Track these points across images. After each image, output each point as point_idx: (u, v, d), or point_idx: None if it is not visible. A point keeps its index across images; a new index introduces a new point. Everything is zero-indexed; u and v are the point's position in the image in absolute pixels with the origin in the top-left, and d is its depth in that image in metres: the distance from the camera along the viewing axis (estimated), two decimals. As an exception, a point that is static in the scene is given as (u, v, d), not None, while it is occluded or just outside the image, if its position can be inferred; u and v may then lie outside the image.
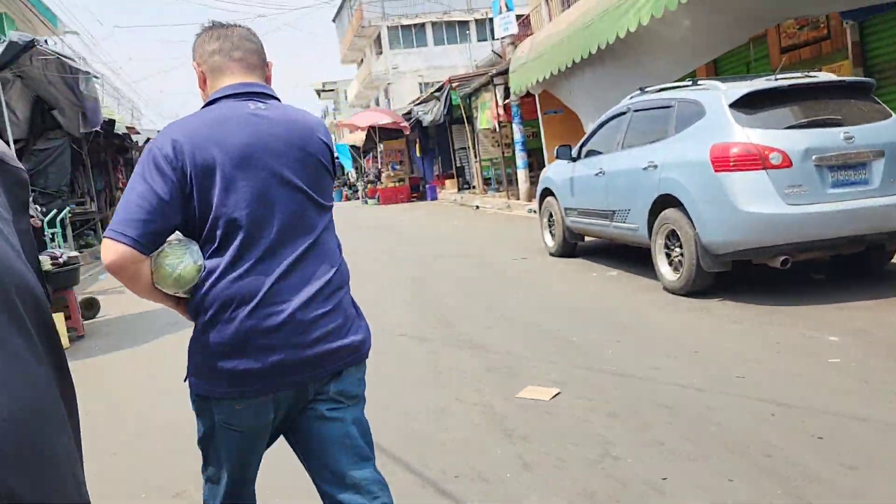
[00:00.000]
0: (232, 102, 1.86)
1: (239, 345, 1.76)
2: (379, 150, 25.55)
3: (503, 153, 18.33)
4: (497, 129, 17.94)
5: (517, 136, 17.01)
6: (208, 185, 1.76)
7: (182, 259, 1.78)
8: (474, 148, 20.68)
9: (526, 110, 17.12)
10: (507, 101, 17.05)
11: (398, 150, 25.85)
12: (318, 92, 61.06)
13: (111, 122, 15.96)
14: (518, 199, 17.05)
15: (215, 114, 1.84)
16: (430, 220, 15.95)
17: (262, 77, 1.97)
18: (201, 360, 1.81)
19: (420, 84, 38.97)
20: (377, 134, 24.65)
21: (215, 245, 1.79)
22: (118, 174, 20.84)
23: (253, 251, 1.78)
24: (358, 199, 35.96)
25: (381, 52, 41.41)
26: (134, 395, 5.05)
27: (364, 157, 33.30)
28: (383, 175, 25.42)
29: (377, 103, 44.54)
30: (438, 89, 21.64)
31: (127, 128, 19.65)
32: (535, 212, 15.32)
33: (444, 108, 20.50)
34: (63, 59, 6.73)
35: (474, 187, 21.66)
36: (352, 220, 19.40)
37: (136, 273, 1.77)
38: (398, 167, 25.76)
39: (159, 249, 1.80)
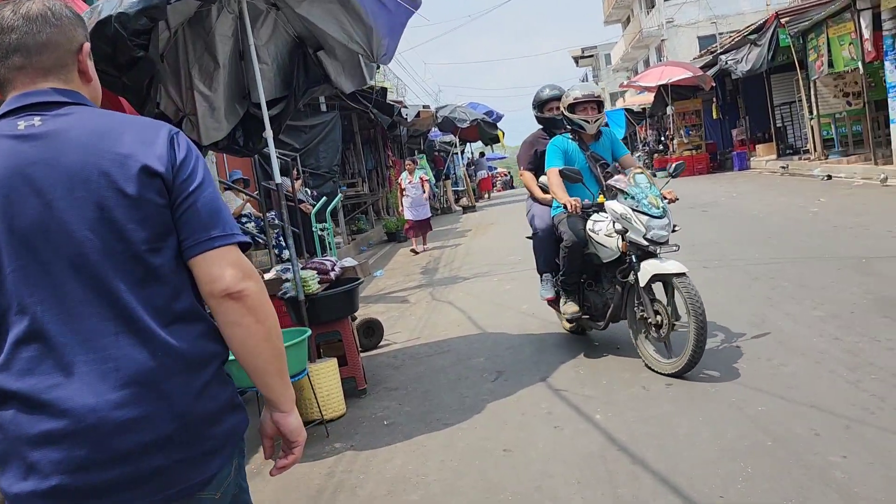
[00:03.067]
0: (2, 125, 1.39)
1: (7, 460, 1.32)
2: (668, 112, 21.56)
3: (865, 105, 13.61)
4: (861, 70, 13.30)
5: (892, 79, 12.35)
6: None
7: None
8: (809, 101, 15.99)
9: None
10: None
11: (693, 111, 21.60)
12: (576, 59, 57.68)
13: (383, 92, 14.17)
14: (892, 163, 12.45)
15: None
16: (771, 198, 11.91)
17: (65, 76, 1.44)
18: None
19: (700, 38, 34.36)
20: (669, 94, 20.65)
21: None
22: (388, 152, 19.44)
23: (13, 328, 1.32)
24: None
25: (652, 6, 37.21)
26: None
27: (639, 124, 29.41)
28: (675, 142, 21.40)
29: (646, 64, 40.35)
30: (755, 31, 17.15)
31: (396, 101, 18.03)
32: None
33: (770, 52, 16.05)
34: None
35: (806, 152, 16.96)
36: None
37: None
38: (692, 132, 21.56)
39: None
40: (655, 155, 23.18)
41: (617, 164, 4.90)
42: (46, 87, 1.41)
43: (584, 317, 4.89)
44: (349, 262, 5.16)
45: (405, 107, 19.31)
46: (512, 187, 46.77)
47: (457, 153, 24.22)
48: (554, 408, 3.94)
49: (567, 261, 4.71)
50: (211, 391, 1.41)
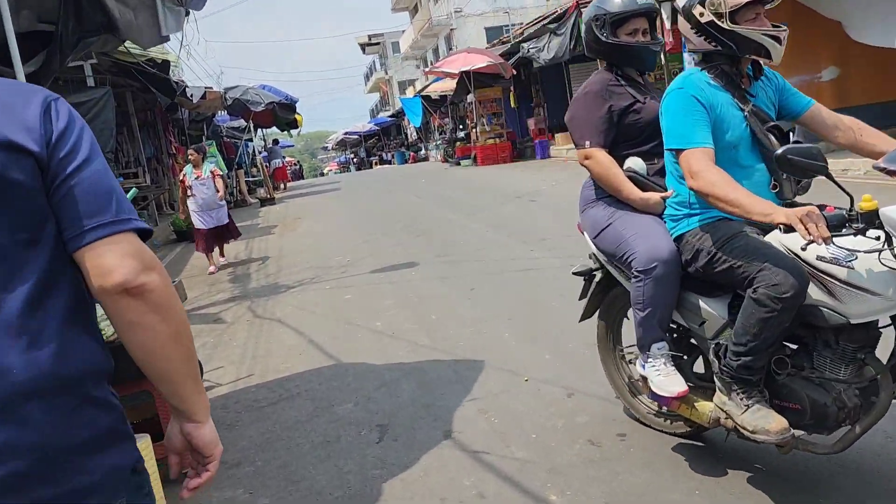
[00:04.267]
0: None
1: None
2: (468, 101, 21.33)
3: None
4: (662, 60, 13.75)
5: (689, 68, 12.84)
6: None
7: None
8: (609, 91, 16.40)
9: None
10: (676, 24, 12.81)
11: (494, 99, 21.52)
12: (363, 46, 56.75)
13: (165, 65, 12.08)
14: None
15: None
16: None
17: None
18: None
19: (487, 29, 35.38)
20: (471, 81, 20.32)
21: None
22: (170, 137, 17.04)
23: None
24: (427, 160, 31.95)
25: (441, -5, 37.53)
26: None
27: (434, 113, 29.15)
28: (477, 130, 21.16)
29: (435, 54, 40.71)
30: (555, 20, 17.30)
31: (178, 82, 15.75)
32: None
33: (571, 41, 16.21)
34: None
35: (605, 141, 17.45)
36: (490, 187, 15.34)
37: None
38: (494, 120, 21.47)
39: None
40: (458, 143, 22.89)
41: (799, 125, 2.75)
42: None
43: (796, 433, 2.39)
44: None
45: (188, 86, 17.06)
46: (301, 177, 44.75)
47: (249, 139, 22.15)
48: (484, 485, 2.83)
49: (771, 324, 2.26)
50: (84, 415, 1.11)
